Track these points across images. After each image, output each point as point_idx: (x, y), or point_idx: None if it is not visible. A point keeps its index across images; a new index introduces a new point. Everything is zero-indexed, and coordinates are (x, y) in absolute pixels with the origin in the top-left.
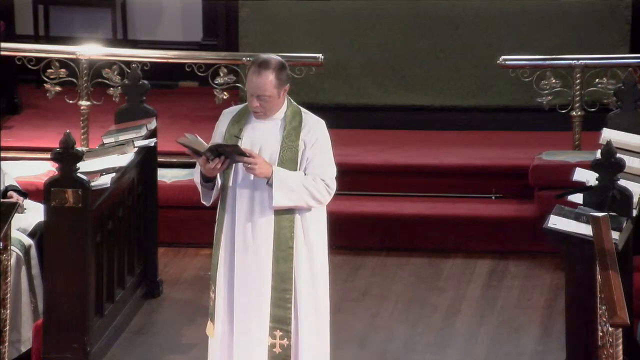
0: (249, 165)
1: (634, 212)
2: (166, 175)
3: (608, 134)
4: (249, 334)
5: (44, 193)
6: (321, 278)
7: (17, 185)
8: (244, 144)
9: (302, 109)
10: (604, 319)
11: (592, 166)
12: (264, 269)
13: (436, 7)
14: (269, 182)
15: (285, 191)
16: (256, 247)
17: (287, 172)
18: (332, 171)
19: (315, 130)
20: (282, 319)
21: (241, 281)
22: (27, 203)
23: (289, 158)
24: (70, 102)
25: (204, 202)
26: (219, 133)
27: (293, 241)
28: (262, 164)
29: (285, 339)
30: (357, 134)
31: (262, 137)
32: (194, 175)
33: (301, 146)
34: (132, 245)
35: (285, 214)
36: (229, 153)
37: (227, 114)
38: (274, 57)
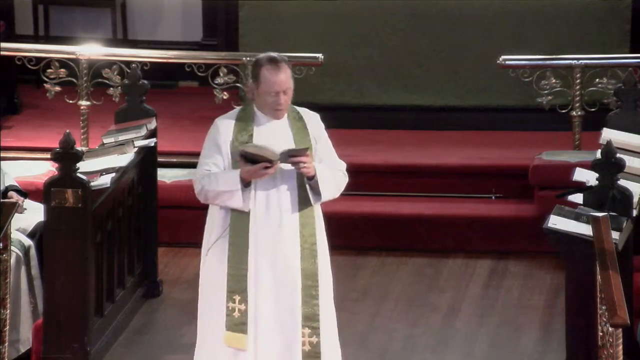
0: (307, 164)
1: (634, 212)
2: (166, 175)
3: (608, 134)
4: (284, 336)
5: (44, 193)
6: (330, 272)
7: (17, 185)
8: None
9: (291, 105)
10: (604, 319)
11: (592, 166)
12: (293, 269)
13: (436, 7)
14: (314, 179)
15: (327, 186)
16: (284, 247)
17: (322, 167)
18: (341, 161)
19: (318, 123)
20: (310, 316)
21: (273, 285)
22: (27, 203)
23: None
24: (70, 102)
25: (244, 208)
26: (225, 142)
27: (316, 237)
28: (312, 162)
29: (314, 336)
30: (357, 134)
31: (272, 138)
32: (215, 186)
33: (313, 143)
34: (132, 245)
35: (306, 210)
36: (285, 156)
37: (225, 122)
38: (272, 53)
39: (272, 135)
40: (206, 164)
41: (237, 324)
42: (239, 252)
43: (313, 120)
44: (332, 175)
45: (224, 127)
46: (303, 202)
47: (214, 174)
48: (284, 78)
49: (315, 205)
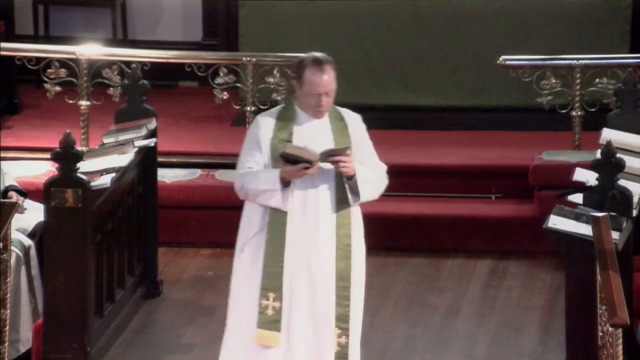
0: (347, 164)
1: (634, 212)
2: (166, 175)
3: (608, 134)
4: (317, 337)
5: (44, 193)
6: (363, 274)
7: (17, 185)
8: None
9: (333, 105)
10: (604, 319)
11: (592, 166)
12: (327, 269)
13: (436, 7)
14: (353, 179)
15: (367, 186)
16: (319, 247)
17: (363, 167)
18: (382, 163)
19: (359, 125)
20: (341, 316)
21: (307, 284)
22: (27, 203)
23: None
24: (70, 102)
25: (283, 207)
26: (265, 139)
27: (351, 238)
28: (352, 161)
29: (344, 336)
30: None
31: (313, 137)
32: (255, 185)
33: (353, 145)
34: (132, 245)
35: (343, 211)
36: (325, 155)
37: (267, 120)
38: (317, 53)
39: (312, 134)
40: (247, 161)
41: (271, 322)
42: (275, 249)
43: (354, 121)
44: (372, 176)
45: (265, 124)
46: (340, 203)
47: (254, 172)
48: (327, 80)
49: (353, 206)
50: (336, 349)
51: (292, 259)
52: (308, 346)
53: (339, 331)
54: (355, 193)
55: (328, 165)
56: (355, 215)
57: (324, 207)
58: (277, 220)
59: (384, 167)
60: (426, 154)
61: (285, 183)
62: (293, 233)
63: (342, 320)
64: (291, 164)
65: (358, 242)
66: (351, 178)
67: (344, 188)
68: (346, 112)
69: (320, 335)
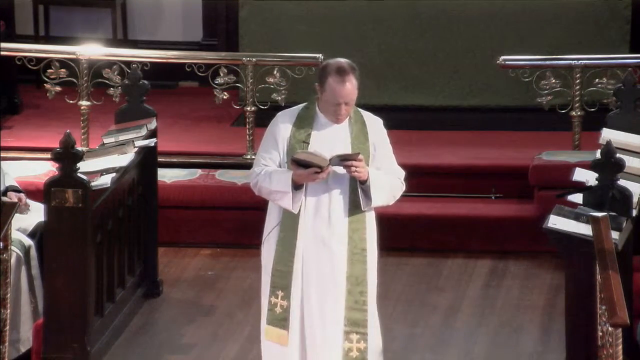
0: (359, 169)
1: (634, 212)
2: (166, 175)
3: (608, 134)
4: (325, 339)
5: (44, 193)
6: (375, 278)
7: (17, 185)
8: (313, 148)
9: (356, 107)
10: (604, 319)
11: (592, 166)
12: (339, 273)
13: (436, 7)
14: (366, 184)
15: (380, 191)
16: (331, 250)
17: (377, 172)
18: (400, 168)
19: (380, 129)
20: (358, 321)
21: (317, 286)
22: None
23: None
24: (70, 102)
25: (294, 210)
26: (283, 138)
27: (366, 243)
28: (365, 166)
29: (362, 341)
30: None
31: (330, 140)
32: (268, 184)
33: (372, 149)
34: (132, 245)
35: (357, 215)
36: (337, 159)
37: (286, 119)
38: (341, 59)
39: (330, 137)
40: (263, 157)
41: (279, 320)
42: (285, 248)
43: (375, 125)
44: (387, 181)
45: (284, 123)
46: (354, 207)
47: (269, 171)
48: (349, 90)
49: (364, 210)
50: (355, 354)
51: (302, 261)
52: (320, 346)
53: (357, 336)
54: (368, 198)
55: (341, 169)
56: (370, 220)
57: (337, 210)
58: (289, 220)
59: (402, 173)
60: (426, 154)
61: (297, 186)
62: (304, 234)
63: (361, 325)
64: (303, 167)
65: (372, 247)
66: (364, 183)
67: (357, 192)
68: (368, 116)
69: (330, 337)
